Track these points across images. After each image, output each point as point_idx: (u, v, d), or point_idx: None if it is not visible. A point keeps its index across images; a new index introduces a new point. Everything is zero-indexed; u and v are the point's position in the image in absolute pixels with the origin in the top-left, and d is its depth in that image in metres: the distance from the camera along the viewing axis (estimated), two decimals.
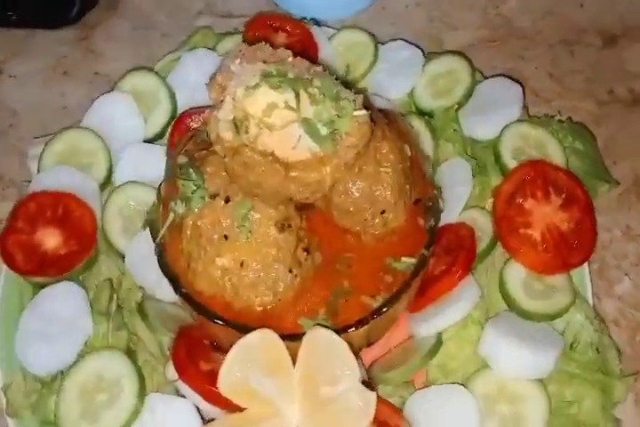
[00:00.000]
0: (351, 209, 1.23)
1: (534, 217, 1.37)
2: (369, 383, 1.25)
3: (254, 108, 0.99)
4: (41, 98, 1.77)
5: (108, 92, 1.57)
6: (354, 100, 1.00)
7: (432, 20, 1.80)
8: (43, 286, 1.40)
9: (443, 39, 1.76)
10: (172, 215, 1.25)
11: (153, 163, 1.50)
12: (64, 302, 1.36)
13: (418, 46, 1.61)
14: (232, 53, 1.05)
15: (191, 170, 1.17)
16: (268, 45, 1.06)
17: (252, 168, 1.03)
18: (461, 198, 1.41)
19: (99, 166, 1.51)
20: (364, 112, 1.01)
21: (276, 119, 0.99)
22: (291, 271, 1.22)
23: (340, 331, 1.19)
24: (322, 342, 1.16)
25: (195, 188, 1.16)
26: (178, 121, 1.51)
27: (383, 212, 1.24)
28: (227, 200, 1.18)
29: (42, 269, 1.40)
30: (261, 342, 1.17)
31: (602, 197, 1.46)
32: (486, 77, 1.59)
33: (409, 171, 1.28)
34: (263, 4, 1.83)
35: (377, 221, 1.25)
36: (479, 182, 1.44)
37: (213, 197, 1.17)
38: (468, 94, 1.54)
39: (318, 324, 1.20)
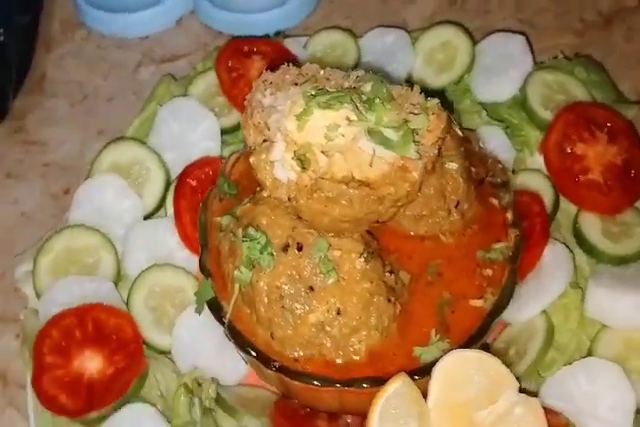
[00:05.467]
0: (425, 213, 1.19)
1: (589, 160, 1.42)
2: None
3: (315, 136, 0.93)
4: None
5: (86, 178, 1.46)
6: (419, 92, 0.96)
7: (385, 1, 1.82)
8: (100, 421, 1.27)
9: (404, 18, 1.78)
10: (237, 286, 1.16)
11: (163, 239, 1.42)
12: None
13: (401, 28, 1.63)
14: (258, 86, 0.98)
15: (250, 229, 1.08)
16: (291, 65, 1.00)
17: (337, 201, 0.97)
18: (507, 166, 1.42)
19: (106, 263, 1.41)
20: (435, 101, 0.98)
21: (341, 140, 0.94)
22: (389, 300, 1.16)
23: (465, 346, 1.14)
24: (467, 364, 1.10)
25: (261, 246, 1.08)
26: (179, 184, 1.42)
27: (457, 204, 1.21)
28: (300, 248, 1.11)
29: (94, 402, 1.27)
30: (404, 389, 1.09)
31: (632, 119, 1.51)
32: (476, 40, 1.61)
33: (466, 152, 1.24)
34: (203, 36, 1.78)
35: (454, 215, 1.22)
36: (519, 144, 1.48)
37: (285, 249, 1.10)
38: (473, 60, 1.57)
39: (437, 348, 1.15)
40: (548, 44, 1.71)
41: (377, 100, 0.95)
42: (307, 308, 1.13)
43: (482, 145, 1.30)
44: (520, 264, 1.29)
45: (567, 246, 1.36)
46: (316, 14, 1.79)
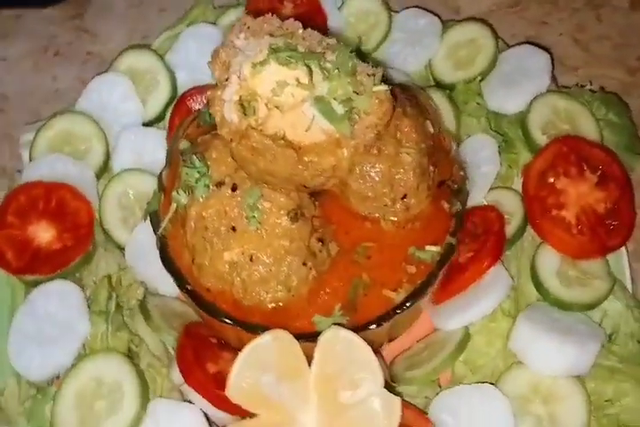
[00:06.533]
0: (370, 194, 1.19)
1: (568, 197, 1.33)
2: (391, 386, 1.22)
3: (263, 87, 0.95)
4: (32, 81, 1.75)
5: (103, 72, 1.54)
6: (373, 75, 0.96)
7: None
8: (36, 285, 1.37)
9: (459, 6, 1.71)
10: (174, 206, 1.21)
11: (153, 148, 1.48)
12: (59, 302, 1.33)
13: (435, 14, 1.57)
14: (236, 27, 1.00)
15: (194, 156, 1.13)
16: (274, 17, 1.01)
17: (262, 154, 0.99)
18: (487, 179, 1.36)
19: (95, 153, 1.49)
20: (384, 88, 0.96)
21: (286, 98, 0.95)
22: (305, 264, 1.18)
23: (360, 329, 1.16)
24: (340, 343, 1.13)
25: (198, 176, 1.13)
26: (179, 102, 1.47)
27: (405, 196, 1.20)
28: (234, 188, 1.14)
29: (34, 267, 1.38)
30: (275, 344, 1.13)
31: (635, 173, 1.40)
32: (509, 46, 1.54)
33: (432, 150, 1.23)
34: None
35: (398, 206, 1.21)
36: (506, 160, 1.40)
37: (219, 185, 1.14)
38: (492, 64, 1.49)
39: (334, 322, 1.16)
40: (593, 73, 1.61)
41: (336, 72, 0.95)
42: (224, 245, 1.16)
43: (455, 148, 1.26)
44: (459, 275, 1.28)
45: (511, 275, 1.30)
46: None
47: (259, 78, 0.95)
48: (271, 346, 1.14)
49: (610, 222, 1.32)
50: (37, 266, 1.38)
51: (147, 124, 1.53)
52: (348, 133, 0.96)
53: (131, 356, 1.29)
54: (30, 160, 1.50)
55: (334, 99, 0.96)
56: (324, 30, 1.51)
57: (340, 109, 0.96)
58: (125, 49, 1.55)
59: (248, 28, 1.00)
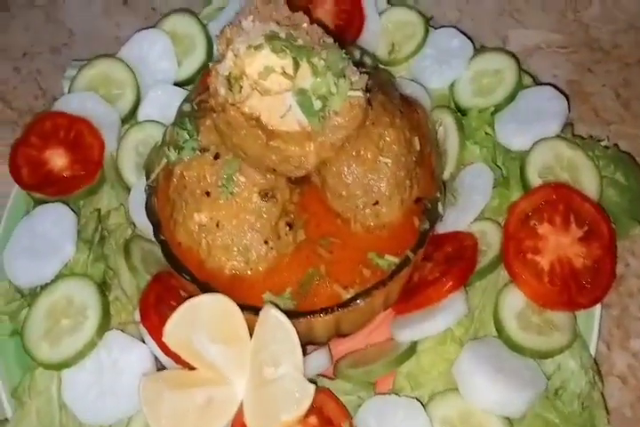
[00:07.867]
0: (343, 193, 1.21)
1: (546, 244, 1.27)
2: (325, 377, 1.24)
3: (251, 68, 0.98)
4: (98, 24, 1.85)
5: (149, 28, 1.60)
6: (353, 81, 0.97)
7: (502, 13, 1.71)
8: (41, 204, 1.45)
9: (508, 36, 1.67)
10: (164, 160, 1.27)
11: (176, 107, 1.48)
12: (54, 222, 1.41)
13: (470, 38, 1.54)
14: (246, 9, 1.04)
15: (187, 119, 1.18)
16: (285, 6, 1.04)
17: (235, 129, 1.02)
18: (476, 207, 1.34)
19: (125, 99, 1.55)
20: (359, 94, 0.98)
21: (271, 84, 0.98)
22: (266, 243, 1.22)
23: (302, 315, 1.18)
24: (272, 321, 1.16)
25: (187, 138, 1.17)
26: (208, 70, 1.51)
27: (376, 203, 1.21)
28: (216, 157, 1.18)
29: (42, 186, 1.46)
30: (214, 306, 1.17)
31: (629, 238, 1.35)
32: (537, 84, 1.49)
33: (413, 166, 1.23)
34: None
35: (368, 211, 1.23)
36: (499, 194, 1.36)
37: (204, 150, 1.18)
38: (510, 98, 1.45)
39: (282, 302, 1.20)
40: (626, 131, 1.53)
41: (324, 69, 0.96)
42: (196, 207, 1.21)
43: (441, 170, 1.25)
44: (422, 292, 1.27)
45: (475, 305, 1.26)
46: None
47: (250, 60, 0.98)
48: (210, 308, 1.18)
49: (585, 280, 1.25)
50: (45, 186, 1.47)
51: (178, 85, 1.57)
52: (319, 129, 0.98)
53: (104, 287, 1.35)
54: (68, 92, 1.58)
55: (316, 94, 0.98)
56: (359, 30, 1.54)
57: (318, 105, 0.98)
58: (173, 10, 1.60)
59: (258, 12, 1.02)
